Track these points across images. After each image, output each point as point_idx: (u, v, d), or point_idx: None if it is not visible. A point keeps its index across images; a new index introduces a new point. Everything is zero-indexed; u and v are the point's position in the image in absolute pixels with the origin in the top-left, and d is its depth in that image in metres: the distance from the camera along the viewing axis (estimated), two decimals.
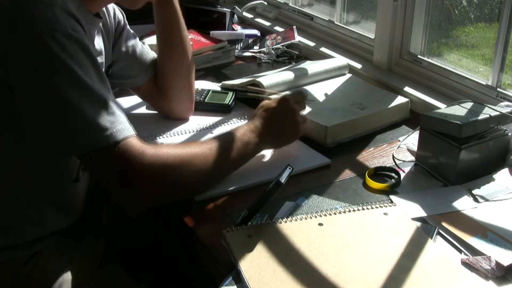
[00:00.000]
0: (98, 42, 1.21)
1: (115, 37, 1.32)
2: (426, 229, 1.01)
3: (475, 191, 1.12)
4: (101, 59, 1.22)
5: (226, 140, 1.13)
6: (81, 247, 1.17)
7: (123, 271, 1.22)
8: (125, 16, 1.35)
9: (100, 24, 1.20)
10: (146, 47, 1.40)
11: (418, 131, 1.25)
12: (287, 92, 1.45)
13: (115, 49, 1.32)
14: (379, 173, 1.22)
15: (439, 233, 1.01)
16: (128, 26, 1.36)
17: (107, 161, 0.97)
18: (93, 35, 1.16)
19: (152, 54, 1.40)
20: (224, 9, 2.14)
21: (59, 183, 1.11)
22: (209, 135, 1.37)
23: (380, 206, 1.06)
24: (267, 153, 1.28)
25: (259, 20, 2.21)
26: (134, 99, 1.53)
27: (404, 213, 1.04)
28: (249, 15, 2.25)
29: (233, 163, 1.14)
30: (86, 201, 1.21)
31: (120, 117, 0.99)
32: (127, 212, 1.01)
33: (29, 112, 0.96)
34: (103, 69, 1.24)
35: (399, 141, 1.36)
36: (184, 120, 1.44)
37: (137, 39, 1.39)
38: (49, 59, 0.93)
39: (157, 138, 1.35)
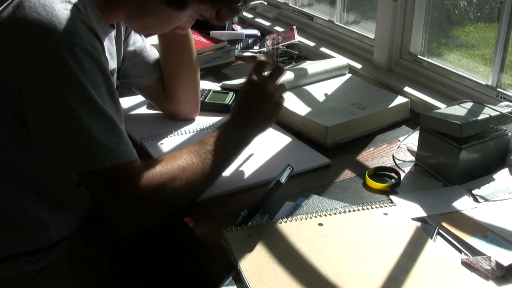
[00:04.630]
0: (110, 48, 1.20)
1: (124, 38, 1.30)
2: (426, 229, 1.01)
3: (475, 191, 1.12)
4: (114, 64, 1.21)
5: (213, 141, 1.09)
6: (87, 262, 1.17)
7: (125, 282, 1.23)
8: None
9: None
10: (154, 49, 1.39)
11: (418, 131, 1.25)
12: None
13: (122, 49, 1.31)
14: (379, 173, 1.22)
15: (439, 233, 1.01)
16: None
17: (105, 183, 0.96)
18: (106, 43, 1.14)
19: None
20: None
21: (61, 187, 1.10)
22: None
23: (380, 206, 1.06)
24: (268, 153, 1.28)
25: (259, 20, 2.21)
26: (135, 99, 1.53)
27: (404, 213, 1.04)
28: (249, 15, 2.25)
29: (224, 163, 1.11)
30: (89, 204, 1.20)
31: (125, 140, 0.98)
32: (122, 233, 1.00)
33: (36, 120, 0.95)
34: (115, 75, 1.23)
35: (399, 141, 1.36)
36: (190, 120, 1.44)
37: (145, 40, 1.38)
38: (63, 73, 0.92)
39: (157, 138, 1.35)
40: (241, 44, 2.00)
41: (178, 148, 1.31)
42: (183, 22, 1.14)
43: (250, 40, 2.02)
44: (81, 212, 1.18)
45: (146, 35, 1.46)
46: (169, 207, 1.04)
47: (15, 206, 1.06)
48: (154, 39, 1.53)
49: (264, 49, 1.93)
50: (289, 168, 1.08)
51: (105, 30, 1.09)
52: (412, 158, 1.28)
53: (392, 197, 1.12)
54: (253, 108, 1.15)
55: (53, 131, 0.94)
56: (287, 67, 1.74)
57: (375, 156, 1.30)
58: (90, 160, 0.94)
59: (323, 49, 1.90)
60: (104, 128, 0.95)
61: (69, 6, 0.96)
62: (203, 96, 1.50)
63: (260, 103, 1.16)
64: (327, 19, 1.99)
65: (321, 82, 1.62)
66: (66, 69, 0.92)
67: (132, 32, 1.32)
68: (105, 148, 0.94)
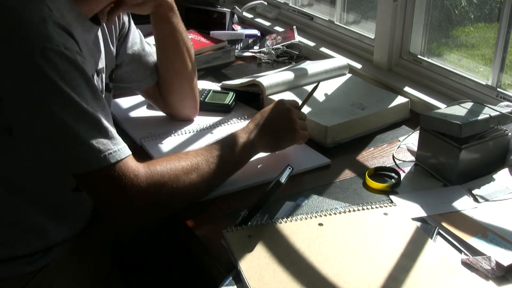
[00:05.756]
0: (98, 46, 1.16)
1: (119, 40, 1.28)
2: (426, 229, 1.01)
3: (475, 191, 1.12)
4: (101, 64, 1.18)
5: (222, 147, 1.10)
6: (86, 263, 1.16)
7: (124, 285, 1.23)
8: (131, 18, 1.31)
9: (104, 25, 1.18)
10: (153, 49, 1.37)
11: (418, 131, 1.25)
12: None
13: (120, 52, 1.29)
14: (379, 173, 1.22)
15: (439, 233, 1.01)
16: (134, 28, 1.32)
17: (101, 183, 0.95)
18: (89, 43, 1.10)
19: None
20: (224, 9, 2.14)
21: (57, 192, 1.09)
22: (209, 135, 1.37)
23: (380, 206, 1.06)
24: (268, 154, 1.27)
25: (259, 20, 2.21)
26: (135, 99, 1.53)
27: (404, 213, 1.04)
28: (249, 15, 2.25)
29: (230, 170, 1.13)
30: (91, 212, 1.19)
31: (115, 138, 0.96)
32: (123, 228, 1.00)
33: (20, 128, 0.94)
34: (104, 74, 1.20)
35: (399, 141, 1.36)
36: (189, 121, 1.44)
37: (144, 42, 1.36)
38: (40, 80, 0.90)
39: (157, 138, 1.35)
40: (241, 44, 2.00)
41: (178, 148, 1.31)
42: None
43: (250, 40, 2.02)
44: (82, 218, 1.17)
45: (145, 36, 1.46)
46: (169, 206, 1.04)
47: (9, 210, 1.05)
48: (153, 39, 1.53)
49: (264, 49, 1.93)
50: (289, 168, 1.08)
51: (86, 26, 1.06)
52: (412, 158, 1.28)
53: (392, 197, 1.12)
54: (275, 124, 1.19)
55: (39, 138, 0.93)
56: (287, 67, 1.75)
57: (375, 156, 1.30)
58: (80, 163, 0.93)
59: (323, 49, 1.90)
60: (90, 129, 0.93)
61: (40, 7, 0.93)
62: (203, 96, 1.50)
63: (283, 123, 1.20)
64: (327, 19, 1.98)
65: (321, 82, 1.61)
66: (42, 76, 0.89)
67: (130, 32, 1.30)
68: (95, 150, 0.93)
